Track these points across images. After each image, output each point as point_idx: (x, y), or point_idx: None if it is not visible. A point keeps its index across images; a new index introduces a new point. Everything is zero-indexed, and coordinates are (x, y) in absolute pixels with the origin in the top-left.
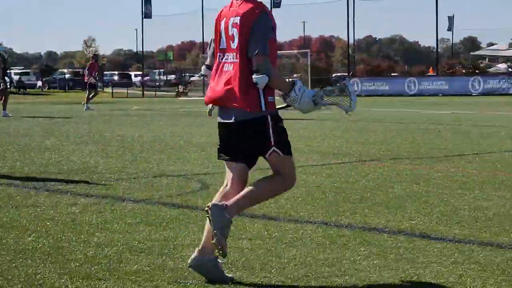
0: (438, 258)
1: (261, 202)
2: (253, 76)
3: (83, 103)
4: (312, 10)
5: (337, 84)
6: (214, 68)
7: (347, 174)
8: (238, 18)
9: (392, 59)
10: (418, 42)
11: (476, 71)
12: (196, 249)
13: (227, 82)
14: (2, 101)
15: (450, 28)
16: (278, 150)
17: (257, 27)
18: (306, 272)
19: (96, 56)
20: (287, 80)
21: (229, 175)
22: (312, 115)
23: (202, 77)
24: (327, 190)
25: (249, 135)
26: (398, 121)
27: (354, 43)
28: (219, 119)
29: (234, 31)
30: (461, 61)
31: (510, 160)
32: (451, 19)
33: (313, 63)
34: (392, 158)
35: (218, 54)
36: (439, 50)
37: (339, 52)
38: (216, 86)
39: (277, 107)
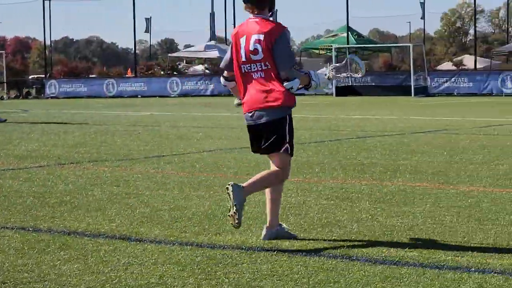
0: (139, 259)
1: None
2: (286, 84)
3: None
4: (6, 10)
5: (344, 61)
6: (239, 77)
7: (45, 178)
8: (262, 35)
9: (90, 60)
10: (116, 43)
11: (174, 72)
12: (264, 226)
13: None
14: None
15: (147, 30)
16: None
17: (282, 42)
18: (5, 278)
19: None
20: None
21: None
22: (9, 118)
23: None
24: (25, 195)
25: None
26: (97, 123)
27: (50, 44)
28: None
29: (257, 46)
30: (159, 63)
31: (208, 160)
32: (148, 20)
33: (9, 65)
34: (91, 160)
35: (242, 66)
36: (137, 51)
37: (35, 53)
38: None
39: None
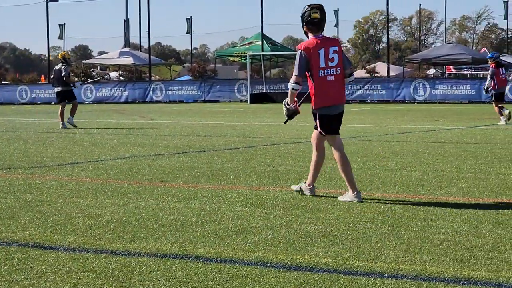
0: (53, 267)
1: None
2: (352, 77)
3: None
4: None
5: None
6: (321, 79)
7: None
8: (336, 47)
9: (3, 67)
10: (29, 49)
11: (89, 79)
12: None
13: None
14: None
15: (61, 36)
16: None
17: (343, 52)
18: None
19: None
20: None
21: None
22: None
23: None
24: None
25: None
26: (10, 130)
27: None
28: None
29: (335, 56)
30: (73, 69)
31: (122, 167)
32: (62, 27)
33: None
34: (4, 168)
35: (319, 71)
36: (50, 58)
37: None
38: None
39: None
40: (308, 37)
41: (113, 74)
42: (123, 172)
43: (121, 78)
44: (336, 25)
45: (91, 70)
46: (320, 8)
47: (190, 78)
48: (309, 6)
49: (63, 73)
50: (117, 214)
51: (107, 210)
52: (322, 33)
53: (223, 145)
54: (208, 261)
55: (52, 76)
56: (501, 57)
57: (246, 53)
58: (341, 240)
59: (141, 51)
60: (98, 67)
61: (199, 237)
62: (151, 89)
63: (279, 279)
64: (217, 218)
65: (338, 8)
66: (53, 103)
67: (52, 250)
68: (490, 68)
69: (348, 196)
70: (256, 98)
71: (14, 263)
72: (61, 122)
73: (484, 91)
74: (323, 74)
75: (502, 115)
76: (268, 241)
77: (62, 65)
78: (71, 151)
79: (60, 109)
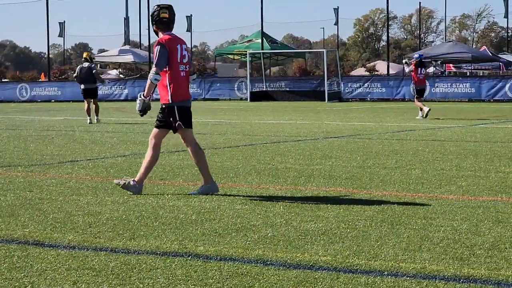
0: (53, 265)
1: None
2: (195, 75)
3: None
4: None
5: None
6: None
7: None
8: (185, 45)
9: (3, 65)
10: (29, 47)
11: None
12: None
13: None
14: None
15: (61, 34)
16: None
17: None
18: None
19: None
20: None
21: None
22: None
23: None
24: None
25: None
26: (10, 128)
27: None
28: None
29: (186, 53)
30: (74, 67)
31: (122, 165)
32: (62, 25)
33: None
34: (4, 165)
35: (178, 65)
36: (50, 56)
37: None
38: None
39: None
40: (158, 36)
41: (113, 72)
42: (123, 170)
43: (121, 76)
44: (336, 23)
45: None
46: (169, 8)
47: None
48: (158, 6)
49: (94, 71)
50: (117, 212)
51: (107, 208)
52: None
53: (223, 143)
54: (207, 259)
55: (76, 75)
56: (503, 55)
57: (246, 51)
58: (341, 238)
59: (141, 48)
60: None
61: (199, 235)
62: None
63: (278, 277)
64: (217, 216)
65: (338, 6)
66: (53, 100)
67: (52, 247)
68: (412, 67)
69: (205, 188)
70: (256, 96)
71: (14, 260)
72: (89, 118)
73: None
74: (179, 69)
75: (421, 110)
76: (268, 239)
77: (90, 64)
78: (71, 149)
79: (86, 106)
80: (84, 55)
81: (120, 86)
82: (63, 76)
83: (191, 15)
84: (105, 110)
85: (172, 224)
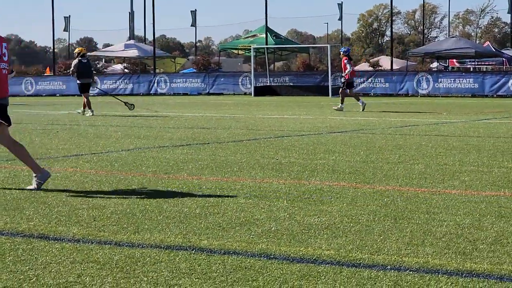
0: (57, 258)
1: None
2: (13, 73)
3: None
4: None
5: None
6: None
7: None
8: (6, 44)
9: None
10: (34, 42)
11: (94, 71)
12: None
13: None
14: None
15: (66, 29)
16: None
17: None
18: None
19: None
20: None
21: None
22: None
23: None
24: None
25: None
26: (15, 122)
27: None
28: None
29: (6, 51)
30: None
31: (126, 159)
32: (67, 19)
33: None
34: (9, 159)
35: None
36: (56, 50)
37: None
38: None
39: None
40: None
41: (118, 67)
42: (127, 164)
43: (126, 70)
44: (340, 19)
45: (96, 63)
46: None
47: (195, 70)
48: None
49: (92, 68)
50: (121, 206)
51: (111, 201)
52: None
53: (227, 138)
54: (211, 253)
55: (74, 69)
56: (506, 51)
57: (250, 46)
58: (344, 232)
59: (145, 43)
60: (103, 59)
61: (203, 228)
62: (156, 81)
63: (282, 270)
64: (221, 210)
65: (342, 2)
66: (58, 95)
67: (56, 241)
68: (345, 61)
69: (38, 178)
70: (260, 91)
71: (19, 253)
72: (91, 110)
73: (343, 79)
74: (0, 67)
75: (342, 102)
76: (272, 233)
77: (88, 60)
78: (75, 143)
79: (86, 99)
80: (79, 50)
81: (125, 81)
82: (68, 71)
83: (195, 10)
84: (109, 104)
85: (176, 218)
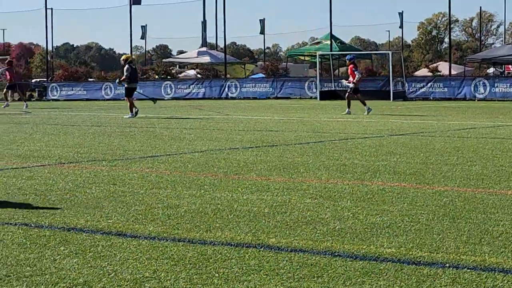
0: (135, 254)
1: None
2: None
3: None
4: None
5: None
6: None
7: (47, 177)
8: None
9: (89, 65)
10: (113, 49)
11: (168, 77)
12: None
13: None
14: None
15: (143, 37)
16: None
17: None
18: (8, 272)
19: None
20: None
21: None
22: (12, 120)
23: None
24: (28, 192)
25: None
26: (95, 125)
27: (52, 49)
28: None
29: None
30: (154, 68)
31: (199, 160)
32: (144, 28)
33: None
34: (89, 160)
35: None
36: (133, 57)
37: (38, 58)
38: None
39: None
40: None
41: (191, 72)
42: (200, 165)
43: (199, 76)
44: (401, 26)
45: (170, 68)
46: None
47: (263, 76)
48: None
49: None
50: (194, 205)
51: (185, 201)
52: None
53: (294, 140)
54: (279, 250)
55: (129, 74)
56: None
57: (316, 53)
58: (405, 231)
59: (217, 50)
60: (177, 65)
61: (271, 227)
62: (227, 86)
63: (345, 268)
64: (288, 209)
65: (402, 11)
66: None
67: (133, 238)
68: (353, 68)
69: None
70: (325, 95)
71: (98, 250)
72: (131, 113)
73: (351, 84)
74: None
75: (349, 107)
76: (336, 232)
77: (135, 65)
78: (151, 144)
79: (130, 102)
80: (127, 57)
81: (198, 86)
82: (144, 76)
83: (264, 18)
84: (183, 108)
85: (246, 217)
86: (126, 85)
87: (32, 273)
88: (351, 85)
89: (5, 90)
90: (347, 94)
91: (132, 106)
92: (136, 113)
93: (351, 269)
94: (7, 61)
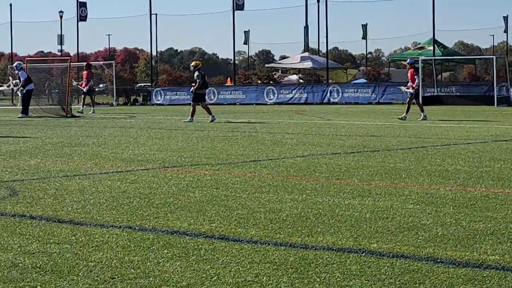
0: (237, 258)
1: None
2: None
3: (81, 109)
4: (117, 23)
5: None
6: None
7: (151, 180)
8: None
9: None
10: (216, 54)
11: (271, 82)
12: None
13: None
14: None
15: (246, 42)
16: None
17: None
18: (113, 274)
19: (89, 65)
20: None
21: None
22: (118, 124)
23: (10, 87)
24: (132, 196)
25: None
26: (198, 129)
27: (156, 54)
28: None
29: None
30: (257, 72)
31: (301, 165)
32: (247, 33)
33: (118, 74)
34: (192, 164)
35: None
36: (236, 62)
37: (142, 63)
38: None
39: None
40: None
41: (293, 77)
42: (301, 170)
43: (301, 81)
44: (506, 31)
45: (272, 73)
46: None
47: (365, 81)
48: None
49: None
50: (296, 209)
51: (287, 205)
52: None
53: (395, 145)
54: (381, 256)
55: (201, 81)
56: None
57: (418, 58)
58: (509, 238)
59: (319, 55)
60: (280, 70)
61: (373, 232)
62: (329, 91)
63: (448, 274)
64: (390, 214)
65: (507, 15)
66: (237, 103)
67: (236, 242)
68: (413, 72)
69: None
70: (428, 100)
71: (201, 253)
72: (190, 119)
73: (412, 90)
74: None
75: (422, 111)
76: (438, 238)
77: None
78: (254, 149)
79: (193, 108)
80: (196, 63)
81: (300, 91)
82: (247, 81)
83: (366, 23)
84: (285, 113)
85: (348, 222)
86: (195, 91)
87: (136, 276)
88: (411, 90)
89: (85, 95)
90: (407, 99)
91: (194, 112)
92: (213, 120)
93: (454, 276)
94: (85, 63)
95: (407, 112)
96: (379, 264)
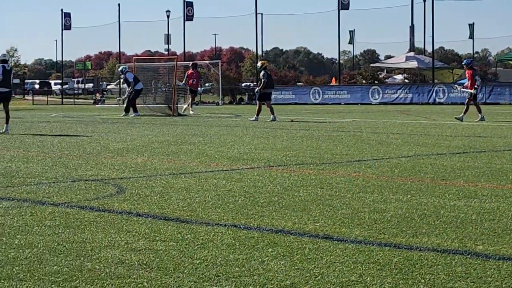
0: (341, 258)
1: None
2: None
3: (184, 109)
4: (222, 23)
5: None
6: None
7: (256, 179)
8: None
9: (298, 70)
10: (321, 54)
11: (376, 81)
12: None
13: None
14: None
15: (351, 41)
16: None
17: None
18: (217, 272)
19: (195, 65)
20: None
21: None
22: (223, 122)
23: (118, 85)
24: (237, 194)
25: None
26: (303, 128)
27: (262, 54)
28: None
29: None
30: (362, 72)
31: (406, 165)
32: (352, 33)
33: (224, 73)
34: (297, 163)
35: None
36: (341, 61)
37: (248, 62)
38: None
39: None
40: None
41: (398, 77)
42: (406, 170)
43: (406, 81)
44: None
45: (377, 73)
46: None
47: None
48: None
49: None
50: (401, 210)
51: (391, 205)
52: None
53: (503, 146)
54: (487, 258)
55: (266, 80)
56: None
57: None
58: None
59: (425, 55)
60: (385, 70)
61: (478, 234)
62: (434, 91)
63: None
64: (496, 216)
65: None
66: (342, 103)
67: (340, 241)
68: (472, 73)
69: None
70: None
71: (305, 252)
72: (274, 116)
73: (473, 91)
74: None
75: (480, 112)
76: None
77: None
78: (358, 148)
79: (259, 107)
80: (263, 63)
81: (405, 91)
82: (352, 81)
83: (473, 23)
84: (390, 113)
85: (453, 223)
86: (261, 90)
87: (241, 274)
88: (473, 91)
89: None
90: (466, 100)
91: (260, 111)
92: (273, 120)
93: None
94: (191, 63)
95: (479, 112)
96: (485, 266)
